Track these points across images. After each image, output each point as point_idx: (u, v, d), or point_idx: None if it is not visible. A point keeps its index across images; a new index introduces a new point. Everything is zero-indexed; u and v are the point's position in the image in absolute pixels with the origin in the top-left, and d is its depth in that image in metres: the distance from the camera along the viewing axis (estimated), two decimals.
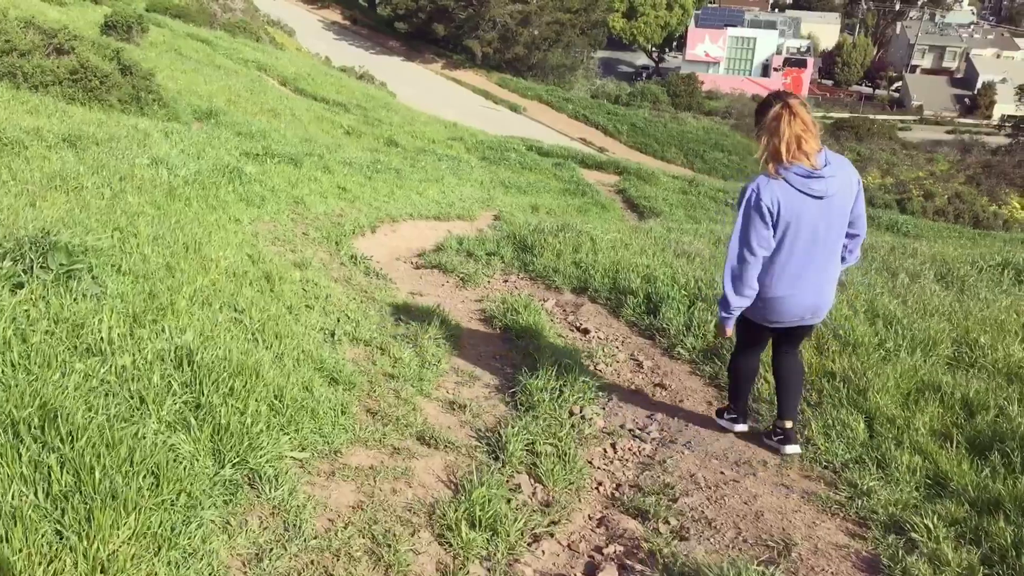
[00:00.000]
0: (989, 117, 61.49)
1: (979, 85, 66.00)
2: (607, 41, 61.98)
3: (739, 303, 3.58)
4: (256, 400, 3.31)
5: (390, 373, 4.46)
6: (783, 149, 3.38)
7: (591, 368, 5.05)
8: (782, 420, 3.95)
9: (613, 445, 4.06)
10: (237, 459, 3.00)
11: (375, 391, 4.14)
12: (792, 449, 3.92)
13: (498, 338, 5.60)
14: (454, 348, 5.18)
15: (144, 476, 2.63)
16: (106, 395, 2.98)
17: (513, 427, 3.93)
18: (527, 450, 3.81)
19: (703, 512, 3.48)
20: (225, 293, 4.58)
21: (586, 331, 5.79)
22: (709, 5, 73.79)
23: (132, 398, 3.04)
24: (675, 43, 71.08)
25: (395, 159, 13.65)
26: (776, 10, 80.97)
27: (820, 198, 3.40)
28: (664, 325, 5.60)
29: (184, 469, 2.77)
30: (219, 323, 4.19)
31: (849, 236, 3.64)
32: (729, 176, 33.65)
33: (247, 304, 4.67)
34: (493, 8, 45.50)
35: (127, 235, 4.57)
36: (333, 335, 4.88)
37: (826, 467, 3.83)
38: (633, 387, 4.88)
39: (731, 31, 67.51)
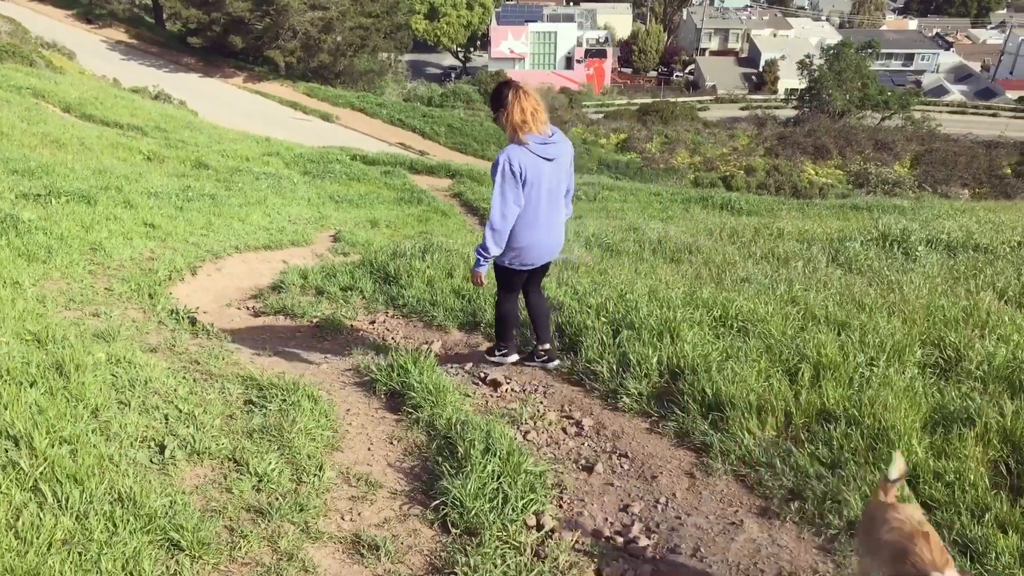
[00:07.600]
0: (776, 92, 65.63)
1: (763, 63, 70.39)
2: (413, 44, 60.81)
3: (495, 253, 4.14)
4: None
5: (255, 506, 3.06)
6: (529, 120, 4.04)
7: (520, 440, 3.84)
8: (542, 344, 4.75)
9: (599, 574, 2.87)
10: None
11: (240, 547, 2.75)
12: (555, 364, 4.76)
13: (386, 409, 4.29)
14: (334, 438, 3.84)
15: None
16: None
17: None
18: None
19: None
20: None
21: (495, 383, 4.56)
22: (508, 2, 74.23)
23: None
24: (479, 42, 71.10)
25: (208, 183, 12.00)
26: (571, 3, 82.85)
27: (551, 160, 4.12)
28: (593, 367, 4.47)
29: None
30: None
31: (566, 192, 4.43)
32: None
33: (27, 425, 3.28)
34: (292, 16, 42.89)
35: None
36: (163, 450, 3.44)
37: None
38: (584, 462, 3.69)
39: (532, 27, 68.12)
